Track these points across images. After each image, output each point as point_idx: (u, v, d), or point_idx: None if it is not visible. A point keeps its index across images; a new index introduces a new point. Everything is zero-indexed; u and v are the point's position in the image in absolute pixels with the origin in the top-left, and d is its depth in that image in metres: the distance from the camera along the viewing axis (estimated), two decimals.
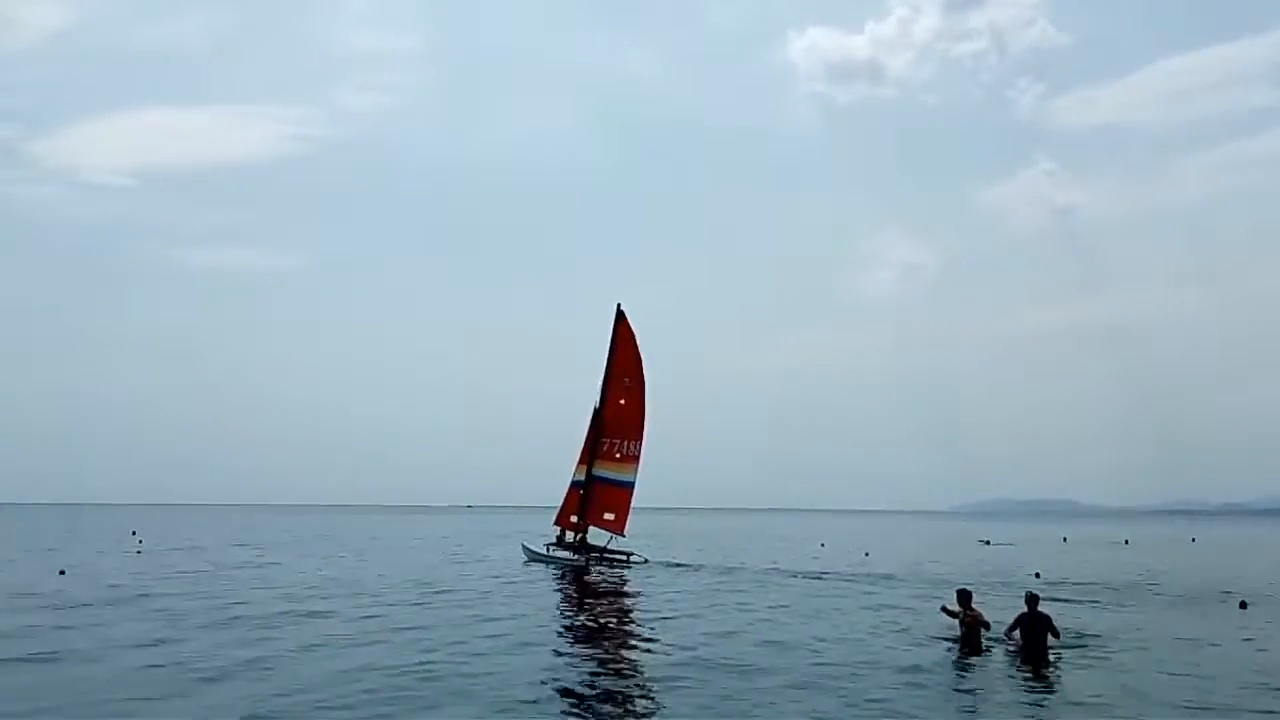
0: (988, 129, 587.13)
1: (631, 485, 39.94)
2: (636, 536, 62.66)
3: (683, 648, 17.71)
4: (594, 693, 14.29)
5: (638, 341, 40.63)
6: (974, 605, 18.32)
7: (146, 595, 26.56)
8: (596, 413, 40.74)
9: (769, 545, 62.13)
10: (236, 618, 21.62)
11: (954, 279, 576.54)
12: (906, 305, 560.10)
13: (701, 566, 39.76)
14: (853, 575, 35.53)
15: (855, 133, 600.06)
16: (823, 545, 61.28)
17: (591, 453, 40.44)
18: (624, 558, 39.22)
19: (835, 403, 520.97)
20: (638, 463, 39.98)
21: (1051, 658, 16.59)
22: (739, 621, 21.79)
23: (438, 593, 27.86)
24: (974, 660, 16.87)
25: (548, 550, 40.98)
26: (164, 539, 64.09)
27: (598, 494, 40.11)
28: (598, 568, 37.57)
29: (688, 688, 14.21)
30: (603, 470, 40.19)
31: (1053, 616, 17.31)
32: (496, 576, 34.17)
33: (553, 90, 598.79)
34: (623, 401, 40.50)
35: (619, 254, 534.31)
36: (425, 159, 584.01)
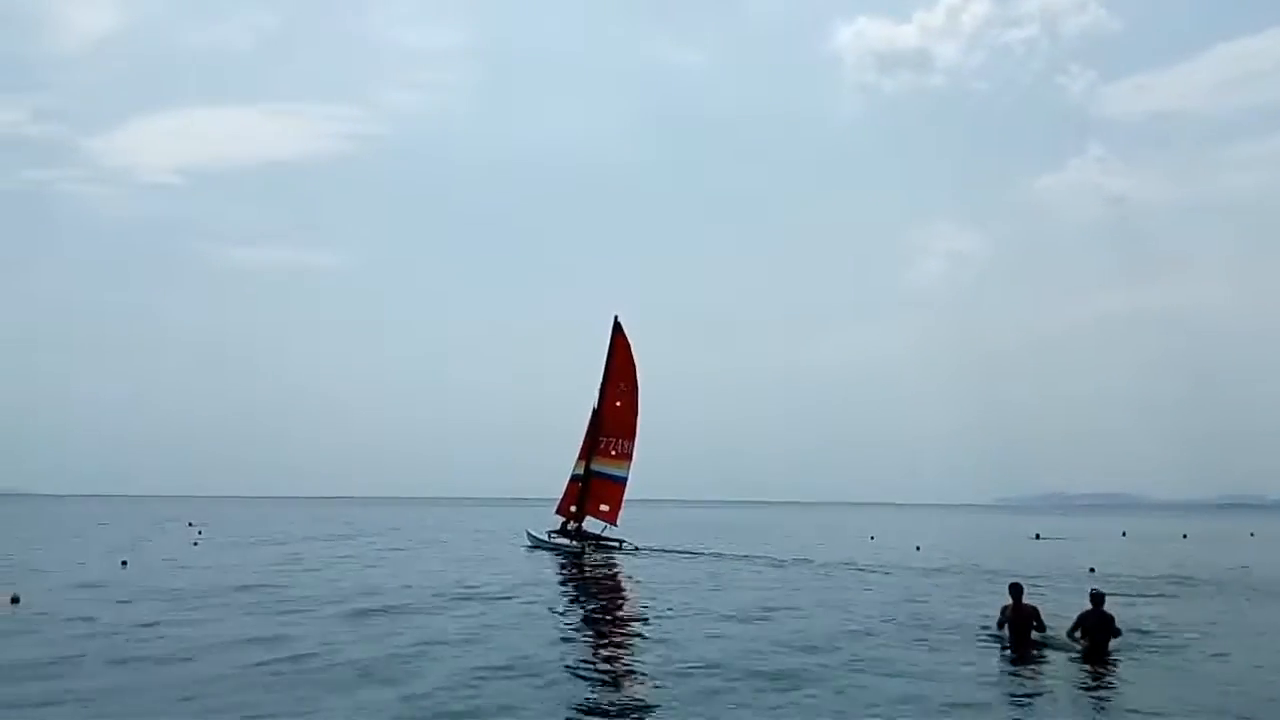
0: (1038, 117, 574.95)
1: (624, 480, 44.03)
2: (686, 529, 66.73)
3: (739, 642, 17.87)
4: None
5: (633, 350, 44.87)
6: (1025, 601, 17.57)
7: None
8: (595, 413, 44.93)
9: (814, 539, 61.94)
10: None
11: (1004, 269, 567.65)
12: (955, 296, 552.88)
13: (757, 558, 41.09)
14: (904, 568, 35.55)
15: (903, 122, 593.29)
16: (872, 538, 61.26)
17: (590, 450, 44.77)
18: (617, 544, 43.39)
19: (883, 395, 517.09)
20: (630, 460, 44.05)
21: (1113, 659, 16.11)
22: (781, 614, 21.97)
23: None
24: (1022, 660, 16.31)
25: (549, 537, 45.29)
26: (231, 532, 64.30)
27: (594, 487, 44.27)
28: (594, 555, 41.71)
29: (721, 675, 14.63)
30: (599, 466, 44.33)
31: (1115, 616, 16.81)
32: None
33: (595, 86, 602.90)
34: (618, 404, 44.64)
35: (662, 250, 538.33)
36: (470, 157, 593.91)
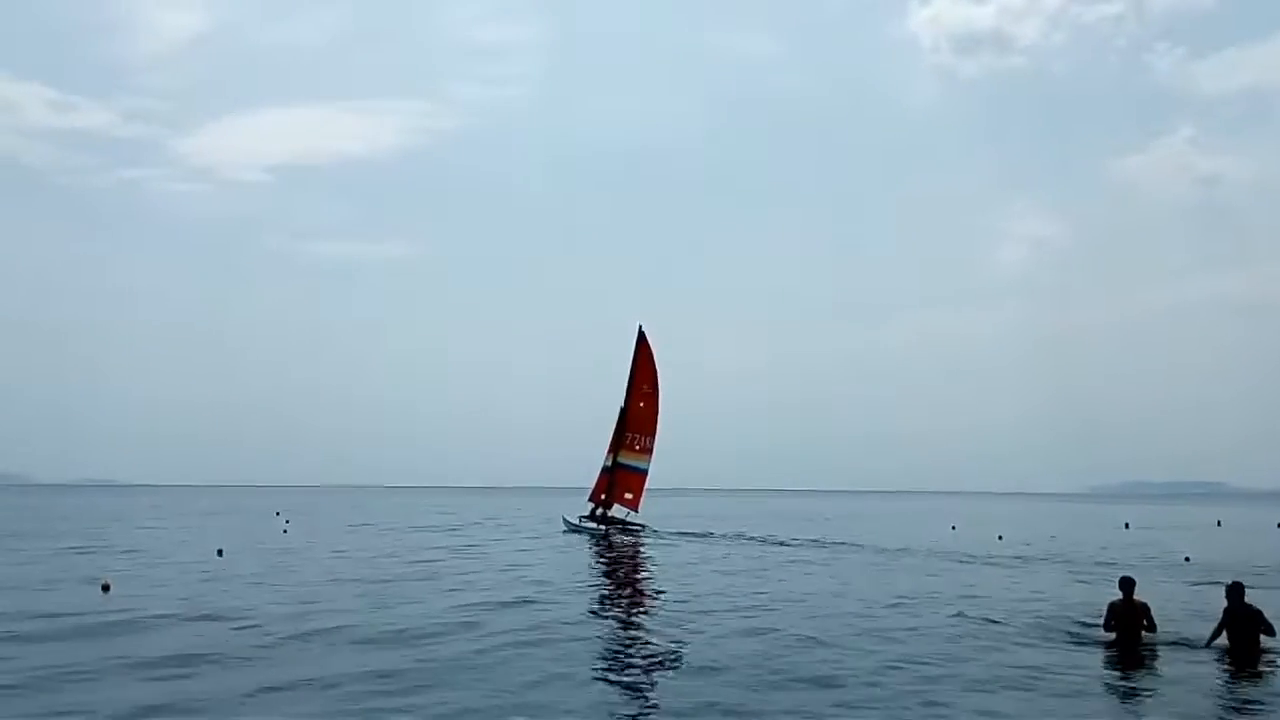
0: (1124, 96, 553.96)
1: (646, 471, 50.05)
2: (772, 517, 72.08)
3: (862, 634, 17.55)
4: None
5: (654, 356, 50.68)
6: (1136, 596, 15.91)
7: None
8: (622, 412, 50.86)
9: (893, 528, 62.05)
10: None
11: (1088, 253, 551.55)
12: (1037, 281, 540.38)
13: (858, 546, 42.32)
14: (986, 559, 34.86)
15: (982, 105, 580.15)
16: (953, 528, 60.31)
17: (617, 444, 50.68)
18: (639, 529, 49.29)
19: (963, 381, 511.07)
20: (651, 454, 50.08)
21: (1267, 661, 14.37)
22: (891, 606, 21.50)
23: None
24: (1136, 666, 14.73)
25: (580, 521, 51.58)
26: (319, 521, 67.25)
27: (620, 478, 50.33)
28: (620, 537, 47.59)
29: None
30: (625, 459, 50.35)
31: (1262, 610, 14.86)
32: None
33: (664, 76, 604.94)
34: (642, 404, 50.57)
35: (737, 238, 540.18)
36: (544, 149, 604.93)
